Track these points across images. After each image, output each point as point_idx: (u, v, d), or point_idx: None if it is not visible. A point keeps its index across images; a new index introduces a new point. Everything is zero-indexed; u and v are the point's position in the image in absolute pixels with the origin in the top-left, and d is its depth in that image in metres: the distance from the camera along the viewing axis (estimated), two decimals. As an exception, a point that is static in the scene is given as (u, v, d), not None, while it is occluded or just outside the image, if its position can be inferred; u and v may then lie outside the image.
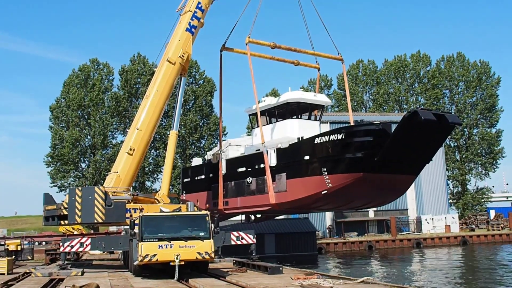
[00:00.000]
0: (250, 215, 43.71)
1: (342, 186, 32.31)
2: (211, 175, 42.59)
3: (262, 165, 36.57)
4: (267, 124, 39.90)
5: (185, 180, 47.90)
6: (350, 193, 33.08)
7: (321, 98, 40.63)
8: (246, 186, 38.42)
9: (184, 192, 47.17)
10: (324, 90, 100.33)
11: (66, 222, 29.44)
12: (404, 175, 33.44)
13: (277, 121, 39.59)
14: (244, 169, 38.87)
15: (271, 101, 40.09)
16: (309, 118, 39.39)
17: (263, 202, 36.64)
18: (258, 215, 43.38)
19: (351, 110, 43.86)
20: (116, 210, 28.74)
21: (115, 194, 29.65)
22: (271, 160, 36.30)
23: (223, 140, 46.26)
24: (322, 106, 40.33)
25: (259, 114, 37.84)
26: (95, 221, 28.70)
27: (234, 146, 42.55)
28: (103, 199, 28.32)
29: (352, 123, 38.37)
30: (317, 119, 40.11)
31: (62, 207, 29.29)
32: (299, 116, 38.80)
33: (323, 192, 33.13)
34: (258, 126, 38.15)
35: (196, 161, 49.50)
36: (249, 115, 42.96)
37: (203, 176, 44.24)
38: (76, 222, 28.95)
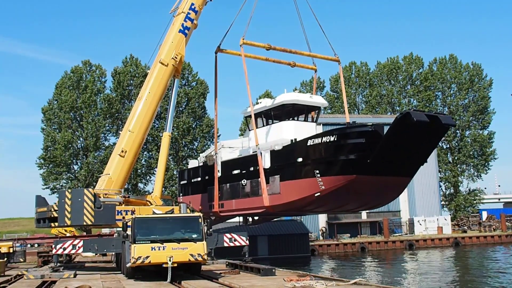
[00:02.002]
0: (247, 217, 43.52)
1: (335, 189, 32.09)
2: (207, 177, 42.39)
3: (256, 167, 36.39)
4: (264, 126, 39.69)
5: (182, 182, 47.63)
6: (343, 195, 32.91)
7: (317, 100, 40.15)
8: (241, 189, 38.20)
9: (181, 194, 46.93)
10: (317, 92, 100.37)
11: (57, 224, 29.34)
12: (398, 177, 33.23)
13: (273, 123, 39.31)
14: (238, 171, 38.64)
15: (267, 103, 39.74)
16: (306, 120, 39.11)
17: (257, 204, 36.46)
18: (256, 217, 43.18)
19: (347, 110, 43.35)
20: (106, 212, 28.60)
21: (106, 196, 29.49)
22: (265, 162, 36.05)
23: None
24: (318, 108, 39.89)
25: (253, 116, 37.63)
26: (84, 223, 28.55)
27: (227, 148, 42.31)
28: (93, 201, 28.18)
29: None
30: (314, 120, 39.92)
31: (52, 209, 29.18)
32: (295, 118, 38.61)
33: (316, 195, 32.87)
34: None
35: (193, 163, 48.97)
36: (245, 117, 42.68)
37: (199, 178, 44.05)
38: (65, 224, 28.85)
